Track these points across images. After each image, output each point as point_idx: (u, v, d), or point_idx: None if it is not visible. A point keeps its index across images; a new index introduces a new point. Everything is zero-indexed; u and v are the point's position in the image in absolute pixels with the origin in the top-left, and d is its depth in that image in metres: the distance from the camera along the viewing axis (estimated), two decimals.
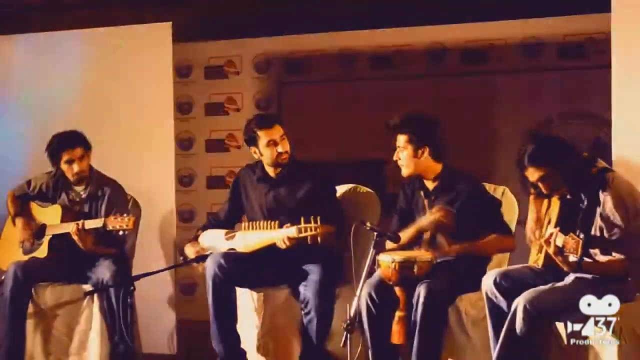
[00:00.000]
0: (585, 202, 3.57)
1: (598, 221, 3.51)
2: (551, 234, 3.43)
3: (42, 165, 4.78)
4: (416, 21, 5.77)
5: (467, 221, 4.00)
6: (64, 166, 4.65)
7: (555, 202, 3.66)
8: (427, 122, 4.08)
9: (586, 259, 3.48)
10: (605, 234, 3.49)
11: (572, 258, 3.40)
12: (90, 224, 4.51)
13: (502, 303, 3.59)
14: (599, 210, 3.50)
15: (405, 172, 4.13)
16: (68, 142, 4.61)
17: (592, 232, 3.52)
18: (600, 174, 3.56)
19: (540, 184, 3.59)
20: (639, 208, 3.51)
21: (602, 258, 3.51)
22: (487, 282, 3.67)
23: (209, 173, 6.18)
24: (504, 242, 4.02)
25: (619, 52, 4.47)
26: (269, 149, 4.34)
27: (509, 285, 3.61)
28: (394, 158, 4.14)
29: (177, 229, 5.38)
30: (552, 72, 5.49)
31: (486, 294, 3.67)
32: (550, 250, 3.44)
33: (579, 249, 3.34)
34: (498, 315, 3.60)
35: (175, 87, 5.61)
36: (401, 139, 4.08)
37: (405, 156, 4.08)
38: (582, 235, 3.41)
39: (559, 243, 3.40)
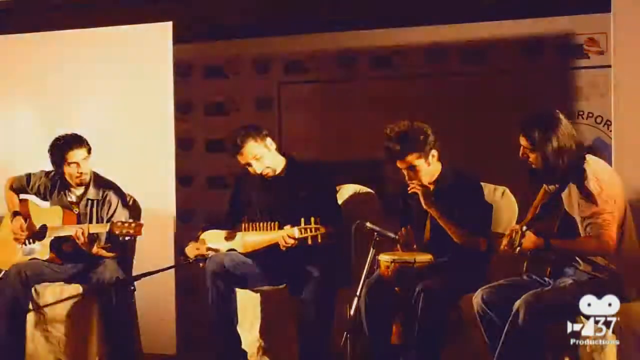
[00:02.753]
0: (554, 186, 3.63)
1: (577, 202, 3.52)
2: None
3: (44, 165, 4.77)
4: (416, 21, 5.76)
5: (460, 221, 4.02)
6: (67, 168, 4.64)
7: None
8: (421, 130, 4.05)
9: (554, 240, 3.51)
10: (581, 214, 3.50)
11: (517, 250, 3.46)
12: (95, 228, 4.51)
13: (494, 318, 3.60)
14: (575, 191, 3.53)
15: (424, 184, 4.12)
16: (72, 144, 4.60)
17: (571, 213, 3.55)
18: (579, 160, 3.58)
19: (526, 153, 3.61)
20: (615, 192, 3.53)
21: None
22: (477, 301, 3.68)
23: (209, 173, 6.17)
24: (474, 238, 4.01)
25: (619, 52, 4.48)
26: (249, 168, 4.36)
27: (498, 301, 3.61)
28: (409, 182, 4.11)
29: (177, 229, 5.38)
30: (552, 72, 5.48)
31: (478, 312, 3.68)
32: (505, 245, 3.51)
33: (517, 239, 3.42)
34: (492, 329, 3.61)
35: (175, 87, 5.61)
36: (404, 163, 4.05)
37: (420, 170, 4.06)
38: (523, 227, 3.47)
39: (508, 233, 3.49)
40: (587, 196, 3.49)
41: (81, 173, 4.63)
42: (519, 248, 3.45)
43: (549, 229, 3.54)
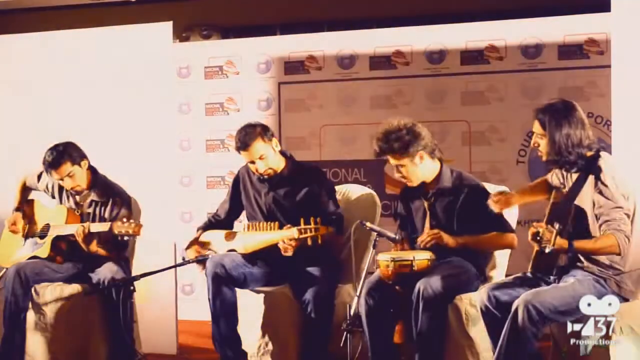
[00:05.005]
0: (570, 181, 3.62)
1: (590, 197, 3.51)
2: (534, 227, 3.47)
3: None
4: (416, 21, 5.77)
5: (467, 221, 4.01)
6: (58, 181, 4.65)
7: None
8: (411, 132, 4.02)
9: (577, 241, 3.47)
10: (596, 210, 3.50)
11: (548, 249, 3.39)
12: (96, 227, 4.51)
13: (498, 315, 3.59)
14: (590, 187, 3.52)
15: (412, 184, 4.11)
16: (53, 162, 4.54)
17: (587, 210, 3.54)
18: (594, 157, 3.58)
19: (538, 140, 3.62)
20: (628, 190, 3.52)
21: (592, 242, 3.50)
22: (480, 298, 3.68)
23: (209, 173, 6.17)
24: (504, 239, 4.01)
25: (619, 52, 4.48)
26: (251, 165, 4.38)
27: (502, 299, 3.60)
28: (398, 177, 4.11)
29: (177, 229, 5.38)
30: (552, 72, 5.48)
31: (481, 309, 3.68)
32: (530, 239, 3.45)
33: (552, 239, 3.35)
34: (495, 326, 3.60)
35: (175, 87, 5.61)
36: (395, 159, 4.04)
37: (407, 170, 4.05)
38: (557, 226, 3.41)
39: (539, 233, 3.42)
40: (604, 192, 3.48)
41: (71, 188, 4.63)
42: (552, 247, 3.37)
43: (563, 230, 3.52)
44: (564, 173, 3.72)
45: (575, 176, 3.63)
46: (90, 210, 4.68)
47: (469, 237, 3.99)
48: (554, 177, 3.84)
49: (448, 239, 3.97)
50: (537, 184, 3.96)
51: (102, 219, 4.64)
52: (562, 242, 3.42)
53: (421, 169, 4.06)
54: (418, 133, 4.02)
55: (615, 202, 3.47)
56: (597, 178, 3.51)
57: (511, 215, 4.24)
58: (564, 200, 3.62)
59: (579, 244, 3.47)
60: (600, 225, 3.50)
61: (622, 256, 3.51)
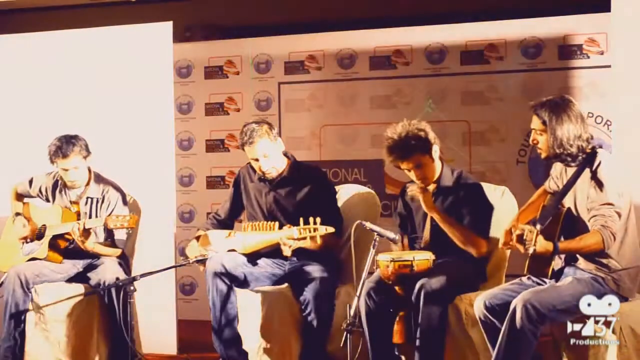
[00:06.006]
0: (565, 179, 3.62)
1: (586, 194, 3.51)
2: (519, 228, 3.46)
3: (44, 166, 4.77)
4: (416, 21, 5.77)
5: (461, 221, 4.02)
6: (60, 171, 4.65)
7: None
8: (423, 129, 4.04)
9: (562, 242, 3.47)
10: (588, 205, 3.50)
11: (531, 249, 3.38)
12: (91, 223, 4.51)
13: (497, 323, 3.58)
14: (587, 183, 3.52)
15: (429, 183, 4.11)
16: (63, 149, 4.56)
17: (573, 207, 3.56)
18: (592, 152, 3.59)
19: (537, 137, 3.62)
20: (623, 189, 3.52)
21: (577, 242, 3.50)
22: (478, 306, 3.67)
23: (209, 173, 6.17)
24: (476, 240, 4.00)
25: (619, 52, 4.48)
26: (254, 163, 4.38)
27: (500, 306, 3.59)
28: (416, 179, 4.08)
29: (177, 229, 5.38)
30: (552, 72, 5.48)
31: (479, 317, 3.67)
32: (514, 241, 3.45)
33: (533, 239, 3.34)
34: (494, 333, 3.59)
35: (175, 87, 5.61)
36: (411, 162, 4.03)
37: (426, 169, 4.04)
38: (538, 226, 3.41)
39: (519, 232, 3.42)
40: (597, 188, 3.48)
41: (72, 180, 4.63)
42: (533, 248, 3.37)
43: (552, 232, 3.51)
44: (562, 171, 3.72)
45: (571, 172, 3.63)
46: (87, 208, 4.68)
47: (447, 220, 4.01)
48: (551, 182, 3.83)
49: (429, 202, 4.00)
50: (536, 198, 3.92)
51: (98, 216, 4.64)
52: (546, 244, 3.41)
53: (436, 164, 4.06)
54: (424, 128, 4.05)
55: (607, 198, 3.47)
56: (594, 173, 3.51)
57: (511, 215, 4.24)
58: (556, 195, 3.63)
59: (564, 244, 3.47)
60: (589, 220, 3.50)
61: (612, 256, 3.51)
